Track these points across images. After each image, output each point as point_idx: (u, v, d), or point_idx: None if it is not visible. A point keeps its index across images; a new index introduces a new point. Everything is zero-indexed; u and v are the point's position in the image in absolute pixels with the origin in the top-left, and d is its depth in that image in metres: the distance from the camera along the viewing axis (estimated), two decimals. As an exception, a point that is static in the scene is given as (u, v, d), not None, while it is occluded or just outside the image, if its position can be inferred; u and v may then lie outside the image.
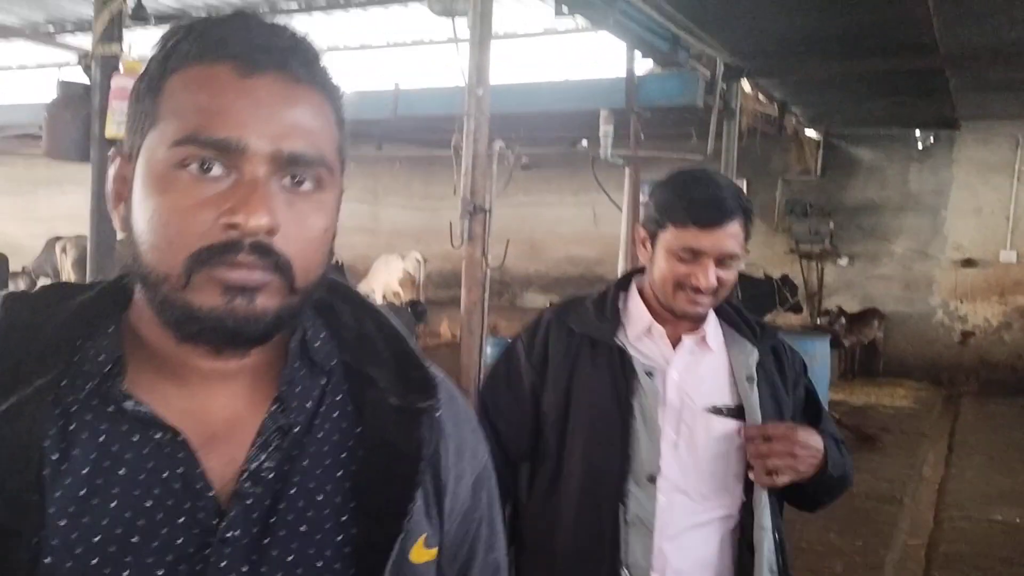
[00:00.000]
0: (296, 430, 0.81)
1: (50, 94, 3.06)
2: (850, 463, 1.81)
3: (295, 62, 0.76)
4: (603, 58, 7.71)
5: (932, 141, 10.27)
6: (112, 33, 2.81)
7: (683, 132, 8.60)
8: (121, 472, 0.75)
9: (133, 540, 0.73)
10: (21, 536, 0.70)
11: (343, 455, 0.83)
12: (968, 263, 10.33)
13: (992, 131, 9.98)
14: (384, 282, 10.96)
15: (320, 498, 0.80)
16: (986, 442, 7.68)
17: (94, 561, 0.72)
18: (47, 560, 0.71)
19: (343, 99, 0.83)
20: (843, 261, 10.91)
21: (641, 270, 1.85)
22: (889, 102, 8.34)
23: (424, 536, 0.83)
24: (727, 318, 1.83)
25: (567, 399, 1.76)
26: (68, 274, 10.85)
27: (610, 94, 6.59)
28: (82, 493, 0.73)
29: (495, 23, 3.81)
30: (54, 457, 0.74)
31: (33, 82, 10.28)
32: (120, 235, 0.82)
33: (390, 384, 0.86)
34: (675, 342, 1.76)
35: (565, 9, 4.82)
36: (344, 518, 0.80)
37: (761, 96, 8.02)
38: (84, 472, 0.74)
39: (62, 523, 0.72)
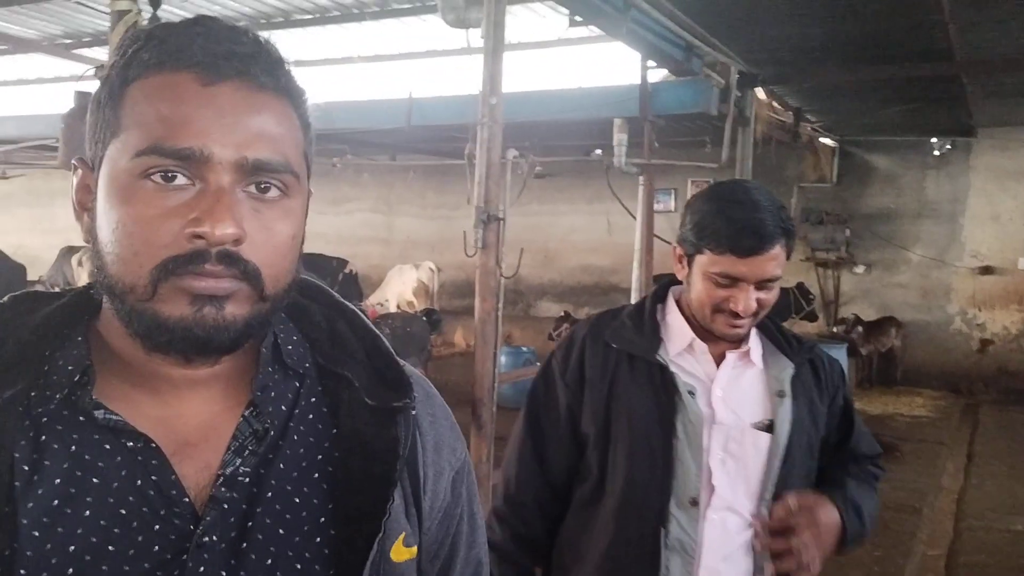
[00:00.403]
0: (271, 434, 0.81)
1: (67, 105, 3.07)
2: (874, 503, 1.77)
3: (257, 68, 0.76)
4: (616, 66, 7.70)
5: (949, 148, 10.20)
6: (128, 45, 2.82)
7: (697, 140, 8.59)
8: (94, 481, 0.75)
9: (109, 548, 0.73)
10: None
11: (319, 457, 0.83)
12: (986, 271, 10.24)
13: (1009, 138, 9.90)
14: (398, 292, 10.98)
15: (297, 500, 0.80)
16: (1005, 451, 7.60)
17: (70, 571, 0.72)
18: (22, 572, 0.70)
19: (308, 103, 0.82)
20: (859, 269, 10.84)
21: (677, 280, 1.77)
22: (905, 109, 8.29)
23: (403, 535, 0.84)
24: (766, 332, 1.77)
25: (607, 418, 1.70)
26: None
27: (624, 102, 6.57)
28: (55, 503, 0.73)
29: (508, 33, 3.81)
30: (25, 468, 0.73)
31: (50, 94, 10.36)
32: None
33: (365, 384, 0.86)
34: (717, 357, 1.71)
35: (579, 19, 4.82)
36: (322, 519, 0.80)
37: (776, 104, 7.99)
38: (56, 482, 0.74)
39: (36, 534, 0.72)
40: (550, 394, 1.78)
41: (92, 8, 6.93)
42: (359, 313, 0.92)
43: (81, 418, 0.76)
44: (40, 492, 0.73)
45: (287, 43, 7.74)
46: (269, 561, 0.77)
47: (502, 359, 5.12)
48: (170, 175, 0.72)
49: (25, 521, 0.72)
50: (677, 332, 1.73)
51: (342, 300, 0.93)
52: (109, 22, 7.26)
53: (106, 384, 0.78)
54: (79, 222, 0.80)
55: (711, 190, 1.71)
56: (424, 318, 8.22)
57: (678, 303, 1.75)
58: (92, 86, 2.93)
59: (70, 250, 11.40)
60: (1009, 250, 10.14)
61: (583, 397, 1.72)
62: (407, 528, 0.85)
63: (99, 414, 0.76)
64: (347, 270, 10.95)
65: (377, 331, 0.91)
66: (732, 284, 1.59)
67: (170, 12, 6.53)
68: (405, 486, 0.86)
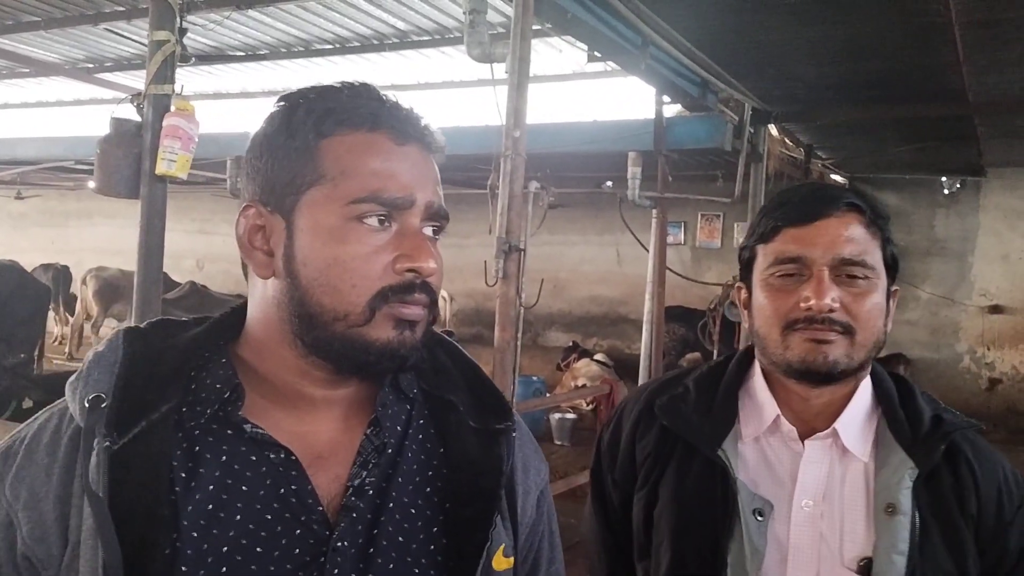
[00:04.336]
0: (390, 450, 0.91)
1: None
2: None
3: (427, 133, 0.90)
4: (631, 101, 7.79)
5: (959, 187, 10.24)
6: (165, 74, 2.88)
7: (709, 175, 8.64)
8: (243, 489, 0.83)
9: (257, 550, 0.81)
10: (157, 546, 0.77)
11: (430, 473, 0.92)
12: (995, 309, 10.24)
13: (1019, 178, 9.95)
14: (408, 319, 11.00)
15: (414, 511, 0.89)
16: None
17: (223, 569, 0.79)
18: (183, 568, 0.78)
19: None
20: (868, 305, 10.83)
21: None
22: (916, 148, 8.35)
23: (503, 545, 0.91)
24: (883, 402, 1.23)
25: (646, 530, 1.26)
26: (89, 304, 11.10)
27: (638, 136, 6.65)
28: (210, 507, 0.81)
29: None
30: (183, 475, 0.82)
31: (70, 117, 10.49)
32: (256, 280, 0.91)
33: (468, 408, 0.95)
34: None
35: (598, 55, 4.89)
36: (435, 529, 0.89)
37: (787, 140, 8.06)
38: (211, 488, 0.82)
39: (194, 535, 0.80)
40: (602, 491, 1.38)
41: (117, 34, 7.04)
42: (457, 345, 1.02)
43: (229, 431, 0.85)
44: (197, 497, 0.81)
45: (307, 73, 7.86)
46: (392, 566, 0.85)
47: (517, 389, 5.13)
48: (382, 219, 0.85)
49: (185, 523, 0.80)
50: (757, 406, 1.24)
51: (440, 333, 1.02)
52: (133, 48, 7.39)
53: (249, 401, 0.87)
54: (248, 258, 0.89)
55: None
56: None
57: (764, 372, 1.27)
58: (128, 112, 3.00)
59: (44, 268, 11.53)
60: (1018, 289, 10.15)
61: (634, 495, 1.29)
62: (506, 540, 0.92)
63: (247, 427, 0.85)
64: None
65: (475, 361, 1.01)
66: (798, 274, 1.16)
67: (194, 40, 6.64)
68: (502, 502, 0.93)
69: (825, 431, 1.19)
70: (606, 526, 1.37)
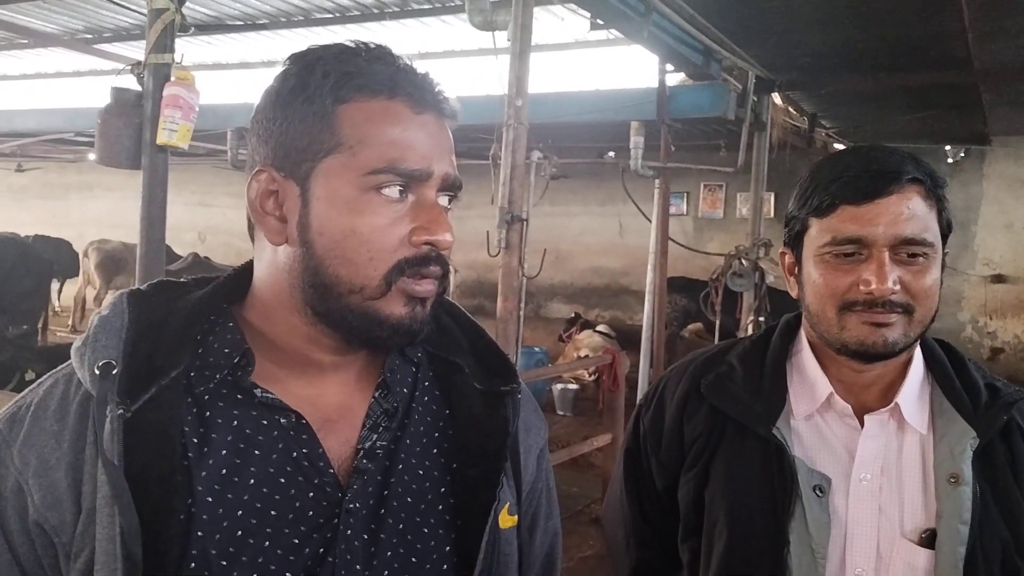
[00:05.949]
0: (398, 413, 0.91)
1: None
2: None
3: (443, 100, 0.89)
4: (634, 69, 7.74)
5: (962, 156, 10.19)
6: (164, 43, 2.85)
7: (711, 144, 8.59)
8: (256, 453, 0.83)
9: (271, 513, 0.82)
10: (172, 511, 0.78)
11: (436, 434, 0.93)
12: (998, 279, 10.23)
13: (1024, 146, 9.90)
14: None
15: (421, 472, 0.90)
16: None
17: (239, 533, 0.80)
18: (199, 533, 0.79)
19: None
20: (870, 275, 10.82)
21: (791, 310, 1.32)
22: (920, 116, 8.29)
23: (508, 504, 0.93)
24: (937, 375, 1.22)
25: (696, 510, 1.24)
26: (91, 276, 11.14)
27: (641, 105, 6.60)
28: (224, 472, 0.82)
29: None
30: (195, 441, 0.82)
31: (69, 89, 10.43)
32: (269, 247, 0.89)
33: (473, 370, 0.96)
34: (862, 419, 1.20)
35: (600, 22, 4.84)
36: (442, 489, 0.90)
37: (791, 109, 8.00)
38: (224, 453, 0.82)
39: (209, 499, 0.80)
40: (638, 476, 1.35)
41: (116, 4, 6.98)
42: (460, 307, 1.02)
43: (239, 396, 0.85)
44: (211, 462, 0.81)
45: (307, 43, 7.79)
46: (401, 526, 0.86)
47: (520, 360, 5.14)
48: (401, 191, 0.85)
49: (200, 488, 0.80)
50: (808, 383, 1.22)
51: (443, 296, 1.01)
52: (132, 19, 7.33)
53: (258, 365, 0.87)
54: (259, 223, 0.87)
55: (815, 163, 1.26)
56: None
57: (811, 344, 1.25)
58: (128, 82, 2.97)
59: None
60: (1021, 259, 10.13)
61: (680, 476, 1.28)
62: (510, 498, 0.94)
63: (257, 392, 0.85)
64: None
65: (479, 324, 1.01)
66: (857, 255, 1.13)
67: (193, 9, 6.58)
68: (507, 462, 0.94)
69: (885, 407, 1.17)
70: (640, 514, 1.35)
